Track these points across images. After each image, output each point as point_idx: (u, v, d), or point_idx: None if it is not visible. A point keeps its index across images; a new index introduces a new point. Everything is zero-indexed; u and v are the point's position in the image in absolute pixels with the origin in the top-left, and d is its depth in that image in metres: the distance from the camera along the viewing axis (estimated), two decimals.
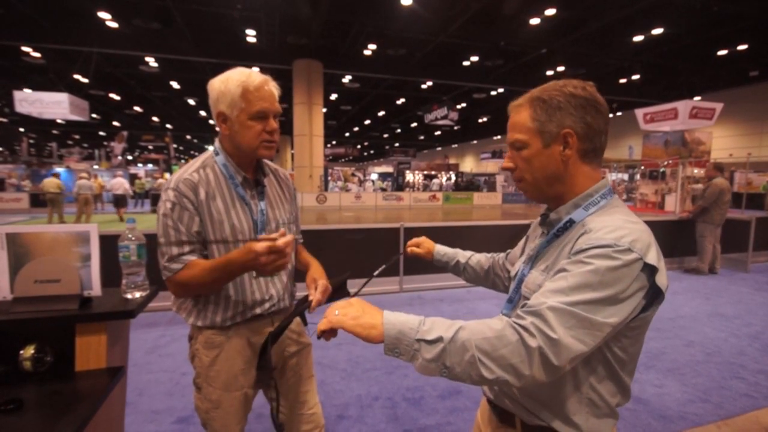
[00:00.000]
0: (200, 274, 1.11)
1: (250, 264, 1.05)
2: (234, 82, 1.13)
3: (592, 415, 0.81)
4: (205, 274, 1.10)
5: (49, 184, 11.50)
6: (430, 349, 0.68)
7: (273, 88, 1.18)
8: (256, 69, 1.21)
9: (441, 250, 1.29)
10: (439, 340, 0.68)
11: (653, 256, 0.71)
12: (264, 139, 1.17)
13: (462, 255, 1.27)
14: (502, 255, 1.21)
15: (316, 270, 1.31)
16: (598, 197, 0.83)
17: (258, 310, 1.25)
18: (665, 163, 13.83)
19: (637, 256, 0.70)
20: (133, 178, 21.56)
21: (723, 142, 19.74)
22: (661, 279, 0.72)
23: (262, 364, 1.13)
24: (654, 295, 0.75)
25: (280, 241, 1.01)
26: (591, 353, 0.75)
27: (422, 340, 0.68)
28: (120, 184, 13.43)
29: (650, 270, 0.71)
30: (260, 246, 1.01)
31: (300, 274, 1.38)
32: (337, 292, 1.28)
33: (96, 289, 1.24)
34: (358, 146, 40.68)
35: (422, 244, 1.30)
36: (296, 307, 1.21)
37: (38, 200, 15.05)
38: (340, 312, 0.73)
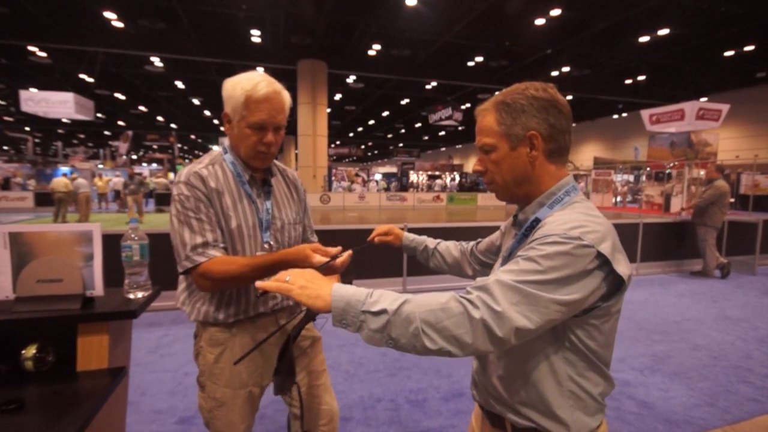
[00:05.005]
0: (237, 270, 1.11)
1: (300, 266, 1.06)
2: (239, 89, 1.13)
3: (576, 408, 0.82)
4: (243, 270, 1.10)
5: (58, 183, 11.58)
6: (375, 321, 0.70)
7: (284, 99, 1.18)
8: (260, 71, 1.20)
9: (410, 236, 1.33)
10: (384, 312, 0.69)
11: (606, 246, 0.73)
12: (259, 150, 1.18)
13: (431, 241, 1.31)
14: (472, 243, 1.25)
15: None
16: (561, 194, 0.85)
17: (261, 308, 1.26)
18: (671, 164, 13.74)
19: (587, 243, 0.71)
20: None
21: (730, 144, 19.57)
22: (621, 267, 0.74)
23: (282, 369, 1.12)
24: (616, 284, 0.76)
25: (338, 262, 1.06)
26: (563, 344, 0.79)
27: (368, 312, 0.70)
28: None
29: (603, 259, 0.73)
30: (318, 260, 1.06)
31: None
32: None
33: (98, 288, 1.24)
34: (362, 146, 40.68)
35: (391, 231, 1.31)
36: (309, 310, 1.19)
37: (43, 199, 15.15)
38: (291, 279, 0.75)
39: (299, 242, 1.38)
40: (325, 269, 1.06)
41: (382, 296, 0.72)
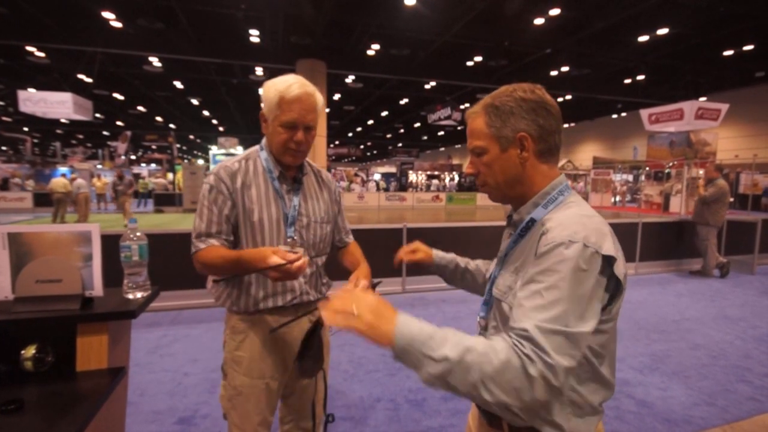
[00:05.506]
0: (214, 259, 1.20)
1: (260, 268, 1.10)
2: (273, 90, 1.21)
3: (573, 414, 0.82)
4: (217, 261, 1.19)
5: (57, 183, 11.57)
6: (435, 366, 0.69)
7: (316, 100, 1.24)
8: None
9: (439, 253, 1.27)
10: (446, 359, 0.68)
11: (609, 247, 0.74)
12: (290, 147, 1.24)
13: (461, 260, 1.26)
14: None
15: (362, 270, 1.33)
16: (555, 194, 0.86)
17: (280, 301, 1.30)
18: (670, 164, 13.76)
19: (594, 249, 0.72)
20: (136, 178, 21.68)
21: (729, 143, 19.59)
22: (619, 269, 0.75)
23: (308, 354, 1.12)
24: (615, 287, 0.77)
25: (294, 266, 1.06)
26: None
27: (429, 357, 0.69)
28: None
29: (608, 261, 0.74)
30: (273, 261, 1.06)
31: (339, 271, 1.43)
32: None
33: (97, 289, 1.24)
34: (361, 146, 40.64)
35: (419, 248, 1.24)
36: None
37: (42, 199, 15.12)
38: (358, 310, 0.73)
39: (326, 241, 1.42)
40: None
41: (445, 340, 0.70)
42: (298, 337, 1.31)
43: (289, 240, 1.28)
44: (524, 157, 0.85)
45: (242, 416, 1.28)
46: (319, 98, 1.26)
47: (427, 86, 19.33)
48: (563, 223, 0.77)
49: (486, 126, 0.87)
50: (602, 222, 0.79)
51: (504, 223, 1.03)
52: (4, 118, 25.38)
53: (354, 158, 38.14)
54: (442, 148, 46.00)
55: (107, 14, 11.38)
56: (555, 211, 0.83)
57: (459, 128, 28.43)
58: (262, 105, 1.26)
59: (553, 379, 0.68)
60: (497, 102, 0.86)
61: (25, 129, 28.61)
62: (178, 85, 19.23)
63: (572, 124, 28.64)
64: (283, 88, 1.20)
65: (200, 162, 36.70)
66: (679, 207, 12.07)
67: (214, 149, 20.39)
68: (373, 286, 1.35)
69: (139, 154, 42.33)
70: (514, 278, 0.85)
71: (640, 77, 16.83)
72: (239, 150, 20.43)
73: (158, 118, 28.58)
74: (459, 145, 42.62)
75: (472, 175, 0.93)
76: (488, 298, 0.94)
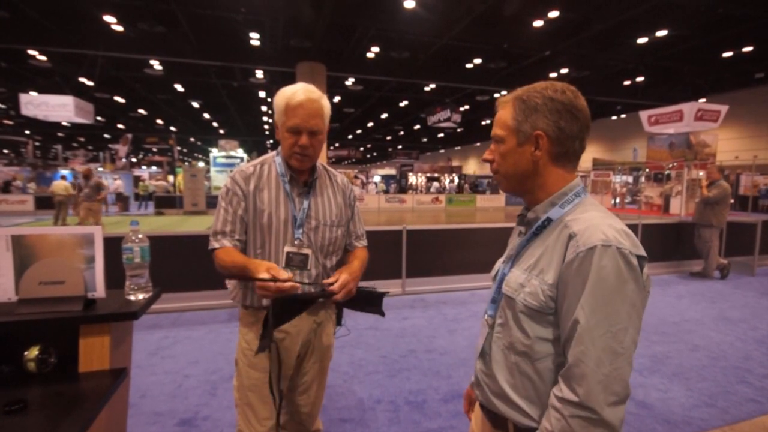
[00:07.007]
0: (227, 263, 1.24)
1: (251, 276, 1.17)
2: (281, 97, 1.27)
3: None
4: (229, 264, 1.24)
5: (58, 186, 11.60)
6: None
7: (320, 106, 1.28)
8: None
9: None
10: None
11: (640, 247, 0.77)
12: (295, 151, 1.28)
13: None
14: None
15: (348, 268, 1.34)
16: (572, 195, 0.87)
17: None
18: (670, 165, 13.77)
19: (628, 251, 0.74)
20: (136, 181, 21.75)
21: (728, 145, 19.60)
22: (645, 268, 0.78)
23: (265, 334, 1.17)
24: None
25: (274, 285, 1.10)
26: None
27: None
28: None
29: (641, 260, 0.76)
30: (260, 275, 1.12)
31: None
32: (366, 305, 1.32)
33: (100, 290, 1.25)
34: (361, 148, 40.69)
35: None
36: (313, 293, 1.26)
37: (43, 202, 15.15)
38: None
39: (337, 245, 1.43)
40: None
41: None
42: (298, 336, 1.36)
43: (296, 242, 1.31)
44: (537, 155, 0.85)
45: (249, 409, 1.32)
46: (325, 104, 1.30)
47: (426, 88, 19.36)
48: (591, 227, 0.77)
49: (511, 117, 0.87)
50: (621, 222, 0.81)
51: (504, 224, 1.05)
52: (6, 122, 25.45)
53: (354, 160, 38.19)
54: (442, 150, 46.04)
55: (108, 18, 11.43)
56: (575, 213, 0.84)
57: (458, 130, 28.46)
58: (275, 113, 1.30)
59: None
60: (525, 96, 0.86)
61: (27, 132, 28.67)
62: (179, 88, 19.27)
63: None
64: (288, 95, 1.25)
65: (201, 164, 36.77)
66: (679, 208, 12.08)
67: (214, 152, 20.40)
68: (380, 296, 1.35)
69: (140, 156, 42.42)
70: (526, 276, 0.85)
71: (640, 79, 16.86)
72: (240, 152, 20.46)
73: (159, 121, 28.63)
74: (459, 147, 42.65)
75: (488, 161, 0.94)
76: (496, 296, 0.94)
